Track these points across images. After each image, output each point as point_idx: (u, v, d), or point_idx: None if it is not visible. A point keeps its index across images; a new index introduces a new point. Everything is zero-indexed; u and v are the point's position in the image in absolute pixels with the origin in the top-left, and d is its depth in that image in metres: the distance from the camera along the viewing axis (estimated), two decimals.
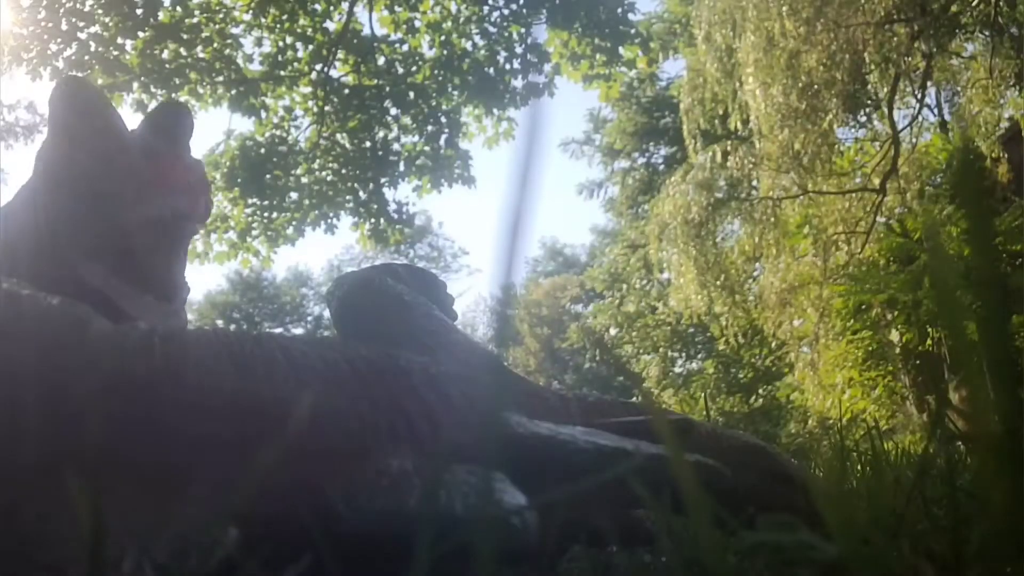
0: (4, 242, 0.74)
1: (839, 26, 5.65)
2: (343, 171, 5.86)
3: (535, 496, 0.41)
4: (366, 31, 5.65)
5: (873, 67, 5.87)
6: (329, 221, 5.89)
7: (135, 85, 5.13)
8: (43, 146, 0.81)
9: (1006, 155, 5.73)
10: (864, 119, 7.24)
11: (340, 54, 5.64)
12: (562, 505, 0.43)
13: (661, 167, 12.15)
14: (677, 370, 12.14)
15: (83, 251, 0.73)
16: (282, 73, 5.59)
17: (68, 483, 0.38)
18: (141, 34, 4.99)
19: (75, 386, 0.42)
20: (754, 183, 6.91)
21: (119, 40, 4.97)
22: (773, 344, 8.27)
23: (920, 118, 6.65)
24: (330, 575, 0.38)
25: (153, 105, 5.27)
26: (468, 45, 5.57)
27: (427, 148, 5.76)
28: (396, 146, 5.82)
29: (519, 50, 5.46)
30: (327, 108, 5.71)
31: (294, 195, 5.89)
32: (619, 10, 5.35)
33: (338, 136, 5.86)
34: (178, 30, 5.12)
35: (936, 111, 7.30)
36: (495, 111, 5.60)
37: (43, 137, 0.82)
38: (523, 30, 5.40)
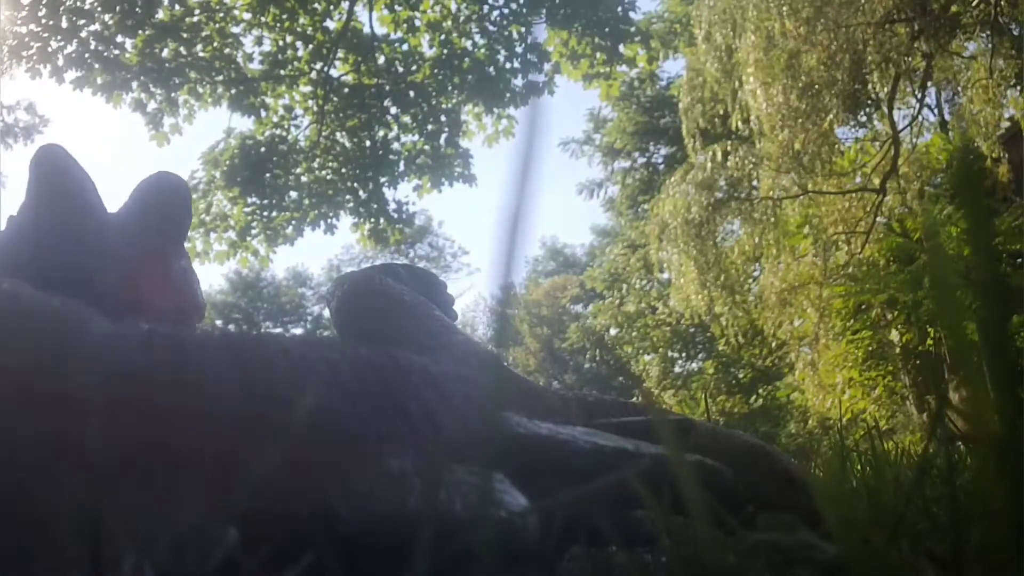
0: None
1: (839, 26, 5.65)
2: (343, 170, 5.86)
3: (535, 497, 0.41)
4: (366, 30, 5.66)
5: (873, 67, 5.88)
6: (329, 220, 5.89)
7: (135, 84, 5.13)
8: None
9: (1006, 155, 5.73)
10: (864, 119, 7.24)
11: (340, 53, 5.65)
12: (562, 505, 0.43)
13: (661, 167, 12.16)
14: (677, 370, 12.14)
15: None
16: (282, 72, 5.59)
17: (68, 484, 0.38)
18: (141, 32, 4.99)
19: (75, 386, 0.42)
20: (754, 183, 6.91)
21: (119, 38, 4.97)
22: (773, 344, 8.26)
23: (920, 118, 6.65)
24: (330, 575, 0.38)
25: (152, 106, 5.27)
26: (468, 44, 5.57)
27: (427, 147, 5.76)
28: (396, 145, 5.82)
29: (519, 49, 5.46)
30: (327, 107, 5.71)
31: (294, 194, 5.89)
32: (619, 9, 5.35)
33: (338, 135, 5.87)
34: (178, 29, 5.12)
35: (936, 111, 7.31)
36: (495, 110, 5.60)
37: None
38: (523, 29, 5.40)
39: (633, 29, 5.41)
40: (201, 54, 5.25)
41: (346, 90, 5.73)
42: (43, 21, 4.78)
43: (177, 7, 5.11)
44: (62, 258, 0.65)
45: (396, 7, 5.54)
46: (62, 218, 0.67)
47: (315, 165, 5.87)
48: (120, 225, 0.69)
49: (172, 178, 0.74)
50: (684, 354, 12.12)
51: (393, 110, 5.74)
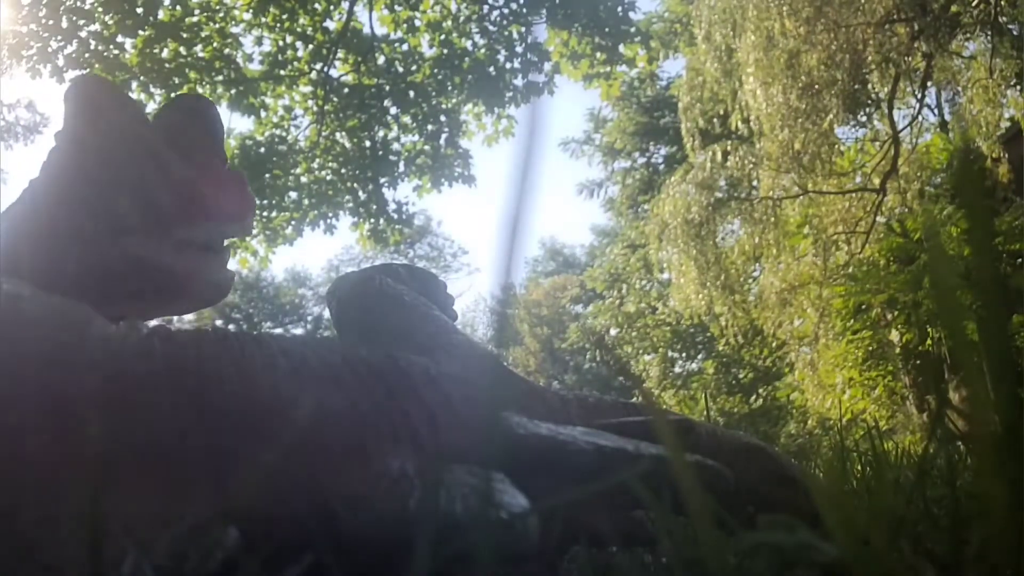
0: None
1: (839, 26, 5.65)
2: (343, 171, 5.86)
3: (535, 497, 0.41)
4: (366, 30, 5.66)
5: (873, 67, 5.88)
6: (328, 221, 5.89)
7: (134, 84, 5.13)
8: (56, 154, 0.67)
9: (1006, 155, 5.73)
10: (864, 119, 7.24)
11: (340, 53, 5.65)
12: (563, 506, 0.43)
13: (661, 167, 12.16)
14: (677, 370, 12.14)
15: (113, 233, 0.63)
16: (282, 72, 5.59)
17: (68, 484, 0.38)
18: (141, 33, 4.99)
19: (74, 387, 0.42)
20: (754, 183, 6.92)
21: (119, 38, 4.97)
22: (773, 344, 8.27)
23: (920, 118, 6.65)
24: (330, 575, 0.38)
25: (152, 106, 5.27)
26: (468, 44, 5.57)
27: (427, 147, 5.76)
28: (396, 145, 5.82)
29: (519, 49, 5.47)
30: (327, 107, 5.71)
31: (293, 195, 5.89)
32: (619, 9, 5.35)
33: (338, 135, 5.87)
34: (178, 29, 5.12)
35: (936, 111, 7.31)
36: (495, 110, 5.61)
37: (53, 135, 0.70)
38: (523, 29, 5.40)
39: (633, 29, 5.41)
40: (201, 54, 5.25)
41: (346, 90, 5.73)
42: (43, 21, 4.78)
43: (177, 7, 5.11)
44: (114, 173, 0.65)
45: (396, 7, 5.54)
46: (109, 135, 0.67)
47: (315, 165, 5.87)
48: (165, 136, 0.69)
49: (193, 96, 0.78)
50: (684, 354, 12.12)
51: (393, 110, 5.74)
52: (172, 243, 0.67)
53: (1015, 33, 5.52)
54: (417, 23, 5.56)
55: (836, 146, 6.33)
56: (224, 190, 0.71)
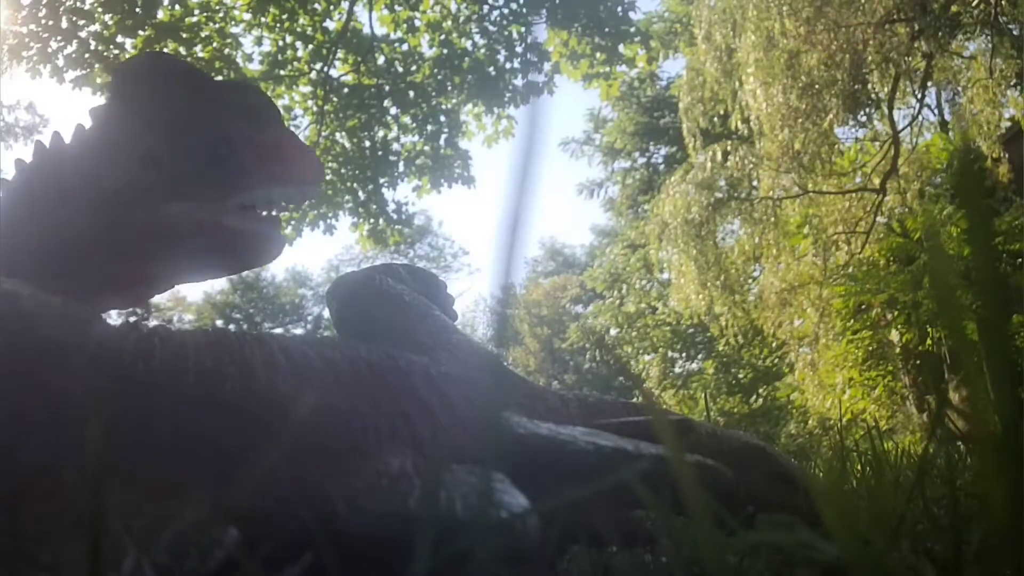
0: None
1: (839, 26, 5.65)
2: (342, 171, 5.86)
3: (535, 497, 0.41)
4: (366, 30, 5.66)
5: (873, 67, 5.88)
6: (328, 221, 5.89)
7: None
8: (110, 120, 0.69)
9: (1006, 155, 5.73)
10: (864, 119, 7.24)
11: (340, 53, 5.64)
12: (563, 506, 0.43)
13: (661, 167, 12.16)
14: (677, 370, 12.13)
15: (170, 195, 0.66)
16: (282, 72, 5.59)
17: (68, 483, 0.38)
18: (141, 33, 4.99)
19: (75, 386, 0.42)
20: (754, 183, 6.92)
21: (119, 39, 4.96)
22: (773, 344, 8.27)
23: (920, 118, 6.65)
24: (330, 575, 0.38)
25: None
26: (468, 44, 5.57)
27: (427, 148, 5.76)
28: (396, 146, 5.81)
29: (519, 49, 5.46)
30: (327, 107, 5.71)
31: None
32: (619, 9, 5.35)
33: (338, 135, 5.86)
34: (178, 29, 5.12)
35: (936, 111, 7.31)
36: (495, 110, 5.60)
37: (89, 111, 0.70)
38: (523, 29, 5.40)
39: (633, 29, 5.41)
40: (201, 54, 5.25)
41: (346, 90, 5.73)
42: (43, 21, 4.77)
43: (177, 7, 5.11)
44: (182, 141, 0.68)
45: (396, 7, 5.54)
46: (178, 105, 0.69)
47: None
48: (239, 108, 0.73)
49: (246, 82, 0.80)
50: (684, 354, 12.11)
51: (393, 110, 5.74)
52: (234, 206, 0.71)
53: (1015, 33, 5.52)
54: (417, 23, 5.56)
55: (836, 146, 6.33)
56: (301, 155, 0.76)
